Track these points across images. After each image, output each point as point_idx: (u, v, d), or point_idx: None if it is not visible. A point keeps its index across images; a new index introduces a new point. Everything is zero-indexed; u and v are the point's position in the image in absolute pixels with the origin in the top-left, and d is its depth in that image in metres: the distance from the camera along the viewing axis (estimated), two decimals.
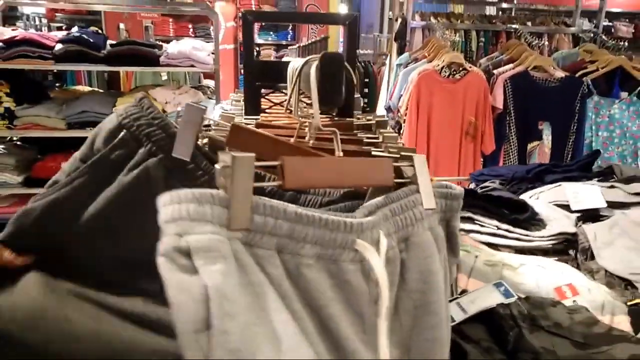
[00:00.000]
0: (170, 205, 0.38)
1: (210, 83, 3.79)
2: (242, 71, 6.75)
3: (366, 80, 4.47)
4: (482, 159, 2.93)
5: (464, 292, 0.89)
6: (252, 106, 0.94)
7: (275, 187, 0.48)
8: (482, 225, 1.14)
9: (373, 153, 0.72)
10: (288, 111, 0.82)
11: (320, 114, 1.01)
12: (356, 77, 3.20)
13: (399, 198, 0.52)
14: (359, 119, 0.93)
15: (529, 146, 2.88)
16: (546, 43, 3.47)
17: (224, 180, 0.39)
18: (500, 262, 0.99)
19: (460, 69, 2.72)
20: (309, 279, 0.44)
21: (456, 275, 0.97)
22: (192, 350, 0.37)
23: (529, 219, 1.15)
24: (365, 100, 4.48)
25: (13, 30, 2.89)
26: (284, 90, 1.07)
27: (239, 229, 0.39)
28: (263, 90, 1.04)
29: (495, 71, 2.85)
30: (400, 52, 3.32)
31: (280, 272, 0.42)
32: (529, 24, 3.57)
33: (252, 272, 0.40)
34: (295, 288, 0.43)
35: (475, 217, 1.16)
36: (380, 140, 0.75)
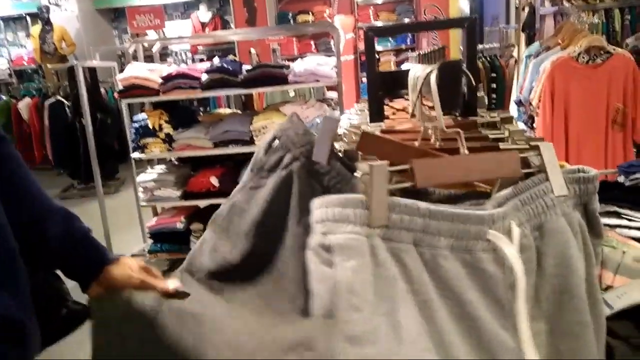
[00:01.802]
0: (320, 208, 0.46)
1: (334, 94, 3.96)
2: (362, 80, 6.90)
3: (493, 75, 4.26)
4: (635, 150, 2.61)
5: (609, 288, 0.84)
6: (376, 114, 1.01)
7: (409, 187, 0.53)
8: (630, 220, 1.05)
9: (501, 147, 0.73)
10: (412, 117, 0.87)
11: (444, 114, 1.03)
12: (481, 74, 3.07)
13: (528, 188, 0.54)
14: (482, 117, 0.94)
15: None
16: None
17: (364, 186, 0.46)
18: None
19: (602, 52, 2.46)
20: (446, 269, 0.48)
21: (600, 271, 0.92)
22: (318, 333, 0.46)
23: None
24: (494, 96, 4.27)
25: (168, 66, 3.38)
26: (405, 97, 1.11)
27: (378, 225, 0.46)
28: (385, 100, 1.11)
29: None
30: (529, 42, 3.12)
31: (418, 264, 0.47)
32: None
33: (386, 267, 0.46)
34: (432, 278, 0.48)
35: (622, 211, 1.07)
36: (507, 135, 0.76)
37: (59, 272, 0.75)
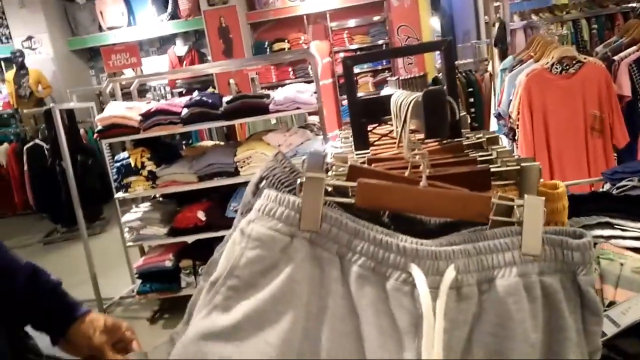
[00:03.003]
0: (262, 199, 0.52)
1: (315, 118, 3.98)
2: (342, 102, 6.97)
3: (470, 89, 4.34)
4: (615, 155, 2.66)
5: (612, 304, 0.83)
6: (361, 142, 1.00)
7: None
8: (624, 230, 1.05)
9: (492, 169, 0.72)
10: (400, 146, 0.86)
11: (434, 138, 1.03)
12: (459, 90, 3.12)
13: (493, 237, 0.51)
14: (468, 138, 0.93)
15: None
16: None
17: (300, 193, 0.51)
18: None
19: (574, 62, 2.53)
20: (362, 287, 0.50)
21: (601, 287, 0.90)
22: (205, 292, 0.53)
23: None
24: (473, 110, 4.34)
25: (147, 103, 3.36)
26: (388, 122, 1.11)
27: (307, 230, 0.50)
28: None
29: (616, 57, 2.60)
30: (502, 56, 3.19)
31: (337, 274, 0.51)
32: None
33: (299, 267, 0.50)
34: (345, 291, 0.51)
35: (615, 221, 1.06)
36: (495, 156, 0.75)
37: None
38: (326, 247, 0.51)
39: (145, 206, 3.30)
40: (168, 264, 3.09)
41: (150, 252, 3.29)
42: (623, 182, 1.36)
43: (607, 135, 2.57)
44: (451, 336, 0.49)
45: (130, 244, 3.18)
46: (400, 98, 0.77)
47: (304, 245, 0.51)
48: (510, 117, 2.75)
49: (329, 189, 0.59)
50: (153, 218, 3.11)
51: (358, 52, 6.55)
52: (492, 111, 3.24)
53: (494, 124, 3.23)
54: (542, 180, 0.67)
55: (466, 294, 0.50)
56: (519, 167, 0.65)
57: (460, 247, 0.50)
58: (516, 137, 2.71)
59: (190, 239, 3.18)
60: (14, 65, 6.72)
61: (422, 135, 1.08)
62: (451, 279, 0.49)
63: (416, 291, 0.49)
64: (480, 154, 0.80)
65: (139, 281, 3.26)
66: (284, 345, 0.50)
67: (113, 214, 3.97)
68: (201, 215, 3.06)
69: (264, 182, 0.61)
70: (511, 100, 2.73)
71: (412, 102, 0.65)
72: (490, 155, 0.78)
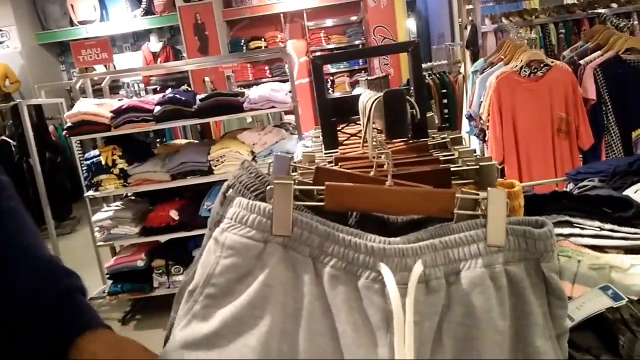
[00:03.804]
0: (234, 207, 0.54)
1: (291, 118, 3.98)
2: None
3: (444, 90, 4.41)
4: (581, 156, 2.74)
5: (569, 299, 0.86)
6: (330, 141, 1.01)
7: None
8: (582, 228, 1.09)
9: (452, 169, 0.74)
10: (365, 146, 0.87)
11: (395, 138, 1.04)
12: (432, 91, 3.17)
13: (458, 230, 0.53)
14: (434, 138, 0.95)
15: (634, 134, 2.64)
16: (636, 22, 3.19)
17: (270, 199, 0.53)
18: (608, 265, 0.94)
19: (542, 65, 2.60)
20: (335, 287, 0.52)
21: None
22: (183, 302, 0.55)
23: (636, 216, 1.07)
24: (447, 111, 4.42)
25: (119, 100, 3.30)
26: (357, 122, 1.12)
27: (279, 234, 0.52)
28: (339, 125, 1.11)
29: (581, 61, 2.68)
30: (474, 59, 3.25)
31: (310, 276, 0.52)
32: (614, 5, 3.31)
33: (274, 271, 0.52)
34: (319, 292, 0.52)
35: (574, 219, 1.10)
36: (456, 156, 0.77)
37: None
38: (299, 250, 0.53)
39: (116, 205, 3.24)
40: (140, 263, 3.04)
41: (121, 251, 3.23)
42: (584, 182, 1.41)
43: (573, 137, 2.65)
44: (422, 328, 0.51)
45: (101, 243, 3.12)
46: (365, 98, 0.79)
47: (278, 250, 0.53)
48: (480, 118, 2.81)
49: (297, 193, 0.60)
50: (124, 217, 3.06)
51: (335, 52, 6.57)
52: (464, 113, 3.30)
53: (466, 125, 3.29)
54: (499, 179, 0.70)
55: (434, 287, 0.52)
56: (477, 166, 0.67)
57: (427, 242, 0.52)
58: (486, 138, 2.77)
59: (163, 238, 3.14)
60: None
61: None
62: (419, 273, 0.51)
63: (386, 289, 0.50)
64: (444, 153, 0.83)
65: (110, 281, 3.20)
66: (263, 348, 0.51)
67: (83, 213, 3.88)
68: (174, 214, 3.03)
69: (231, 190, 0.61)
70: (482, 102, 2.79)
71: (375, 102, 0.67)
72: (452, 155, 0.80)
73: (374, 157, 0.69)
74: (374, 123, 0.80)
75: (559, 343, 0.54)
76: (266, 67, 7.05)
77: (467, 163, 0.70)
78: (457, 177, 0.72)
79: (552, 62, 2.62)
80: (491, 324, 0.51)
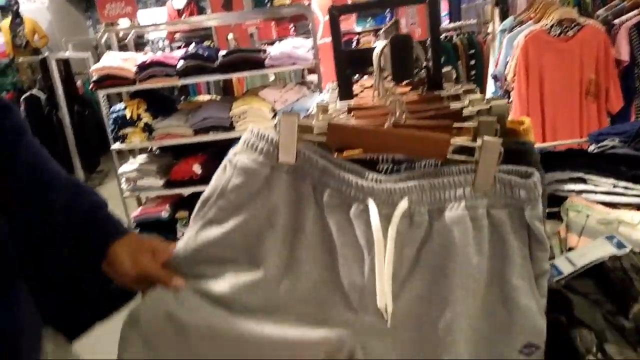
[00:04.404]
0: (247, 134, 0.61)
1: (314, 77, 3.95)
2: None
3: (471, 51, 4.29)
4: (609, 119, 2.67)
5: (571, 249, 0.88)
6: (345, 92, 1.02)
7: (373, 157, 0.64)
8: (596, 185, 1.09)
9: (464, 113, 0.76)
10: (375, 92, 0.89)
11: (410, 89, 1.05)
12: (459, 51, 3.09)
13: (449, 174, 0.57)
14: (447, 90, 0.95)
15: None
16: None
17: (276, 131, 0.59)
18: (616, 220, 0.94)
19: (573, 24, 2.50)
20: (331, 214, 0.58)
21: (566, 235, 0.95)
22: (197, 209, 0.62)
23: None
24: (473, 72, 4.30)
25: (144, 55, 3.33)
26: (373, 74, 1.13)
27: (284, 162, 0.58)
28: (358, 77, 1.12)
29: (616, 21, 2.57)
30: (503, 17, 3.14)
31: (312, 200, 0.59)
32: None
33: (281, 194, 0.59)
34: (318, 216, 0.59)
35: (588, 177, 1.10)
36: (467, 104, 0.78)
37: None
38: (302, 179, 0.59)
39: (142, 158, 3.34)
40: (164, 214, 3.16)
41: (147, 203, 3.35)
42: (604, 142, 1.39)
43: (602, 100, 2.57)
44: (401, 254, 0.57)
45: (128, 194, 3.23)
46: (378, 48, 0.80)
47: (283, 176, 0.59)
48: (506, 78, 2.74)
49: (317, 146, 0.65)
50: (150, 170, 3.15)
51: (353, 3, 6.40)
52: (489, 72, 3.22)
53: (491, 86, 3.22)
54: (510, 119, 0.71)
55: (417, 222, 0.57)
56: (488, 106, 0.68)
57: (415, 182, 0.57)
58: (510, 99, 2.72)
59: (186, 191, 3.24)
60: (10, 13, 6.57)
61: (405, 89, 1.10)
62: (403, 209, 0.56)
63: (370, 220, 0.56)
64: (456, 103, 0.83)
65: (136, 230, 3.34)
66: (268, 252, 0.59)
67: (111, 166, 4.01)
68: (197, 168, 3.10)
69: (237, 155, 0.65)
70: (508, 61, 2.71)
71: (384, 48, 0.68)
72: (464, 104, 0.80)
73: (383, 98, 0.72)
74: (385, 71, 0.81)
75: (538, 282, 0.58)
76: (291, 25, 6.94)
77: (477, 104, 0.71)
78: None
79: (584, 21, 2.51)
80: (466, 257, 0.56)
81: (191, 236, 0.61)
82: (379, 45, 0.80)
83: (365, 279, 0.58)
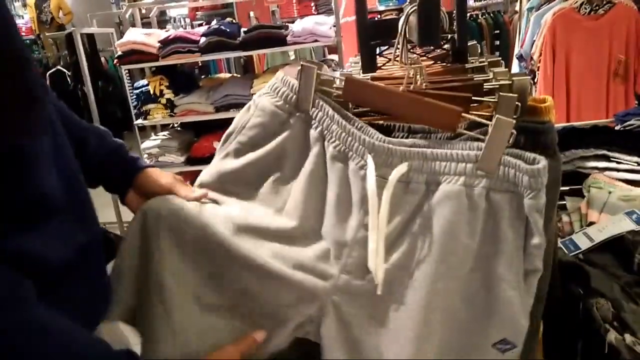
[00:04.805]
0: (274, 79, 0.66)
1: (335, 57, 3.93)
2: None
3: (496, 31, 4.19)
4: (637, 102, 2.60)
5: (592, 224, 0.87)
6: (368, 63, 1.02)
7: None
8: (619, 162, 1.08)
9: (485, 86, 0.75)
10: (397, 60, 0.89)
11: (434, 62, 1.05)
12: (484, 31, 3.05)
13: (454, 148, 0.57)
14: (472, 63, 0.95)
15: None
16: None
17: (301, 80, 0.63)
18: (639, 197, 0.94)
19: (605, 2, 2.42)
20: (334, 164, 0.61)
21: (586, 211, 0.95)
22: (222, 141, 0.71)
23: None
24: (498, 53, 4.22)
25: (166, 31, 3.35)
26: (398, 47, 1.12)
27: (302, 110, 0.63)
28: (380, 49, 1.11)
29: None
30: None
31: (318, 149, 0.62)
32: None
33: (295, 136, 0.63)
34: (322, 161, 0.62)
35: (611, 154, 1.09)
36: (491, 76, 0.78)
37: None
38: (313, 126, 0.63)
39: (163, 134, 3.39)
40: None
41: None
42: (630, 122, 1.37)
43: (630, 82, 2.51)
44: (393, 218, 0.57)
45: None
46: (404, 14, 0.79)
47: (298, 122, 0.64)
48: (532, 58, 2.68)
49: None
50: (171, 146, 3.20)
51: None
52: (515, 52, 3.15)
53: (516, 66, 3.16)
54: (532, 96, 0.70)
55: (413, 189, 0.57)
56: (510, 81, 0.68)
57: (418, 149, 0.57)
58: (536, 80, 2.66)
59: (206, 168, 3.28)
60: None
61: (428, 63, 1.10)
62: (401, 172, 0.56)
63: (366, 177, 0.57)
64: (480, 75, 0.83)
65: None
66: (274, 186, 0.65)
67: (133, 143, 4.08)
68: (217, 145, 3.13)
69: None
70: (534, 40, 2.65)
71: (410, 12, 0.68)
72: (488, 76, 0.80)
73: (405, 65, 0.72)
74: (413, 46, 0.81)
75: (527, 279, 0.55)
76: (312, 3, 6.86)
77: (500, 79, 0.71)
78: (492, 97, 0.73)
79: None
80: (454, 235, 0.54)
81: (212, 165, 0.68)
82: (405, 10, 0.80)
83: (352, 237, 0.59)
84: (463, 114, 0.56)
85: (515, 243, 0.54)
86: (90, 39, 4.59)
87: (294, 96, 0.63)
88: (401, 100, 0.60)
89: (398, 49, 0.83)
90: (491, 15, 4.22)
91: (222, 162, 0.68)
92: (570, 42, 2.49)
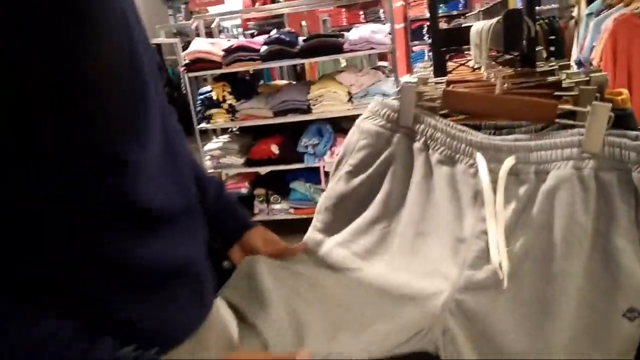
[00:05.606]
0: (372, 103, 0.73)
1: (384, 64, 4.02)
2: (412, 49, 6.84)
3: (551, 37, 4.14)
4: None
5: None
6: (440, 69, 1.11)
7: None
8: None
9: (563, 85, 0.80)
10: (475, 67, 0.96)
11: (504, 66, 1.12)
12: (539, 37, 3.08)
13: (556, 137, 0.61)
14: (541, 66, 1.01)
15: None
16: None
17: (402, 98, 0.70)
18: None
19: None
20: (438, 168, 0.67)
21: None
22: (334, 165, 0.77)
23: None
24: (552, 59, 4.14)
25: (228, 40, 3.55)
26: (466, 53, 1.20)
27: (403, 126, 0.70)
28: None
29: None
30: (589, 0, 3.03)
31: (423, 159, 0.69)
32: None
33: (399, 153, 0.70)
34: (427, 170, 0.69)
35: None
36: (564, 78, 0.84)
37: None
38: (417, 139, 0.70)
39: (224, 138, 3.57)
40: (244, 191, 3.38)
41: (228, 180, 3.59)
42: None
43: None
44: (507, 209, 0.61)
45: (212, 171, 3.48)
46: (479, 25, 0.88)
47: (402, 138, 0.71)
48: (591, 64, 2.67)
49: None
50: (232, 148, 3.38)
51: None
52: (573, 58, 3.12)
53: None
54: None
55: (523, 179, 0.61)
56: (587, 78, 0.74)
57: (523, 142, 0.62)
58: None
59: (264, 170, 3.44)
60: None
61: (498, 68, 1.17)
62: (510, 165, 0.61)
63: (479, 172, 0.63)
64: (552, 78, 0.89)
65: None
66: (382, 202, 0.72)
67: (193, 147, 4.30)
68: (275, 148, 3.28)
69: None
70: (594, 46, 2.64)
71: (493, 24, 0.76)
72: (560, 78, 0.87)
73: (487, 70, 0.80)
74: (490, 50, 0.89)
75: None
76: (361, 12, 6.98)
77: (575, 79, 0.77)
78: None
79: None
80: (571, 216, 0.58)
81: (329, 189, 0.75)
82: (480, 24, 0.88)
83: (470, 232, 0.62)
84: (560, 105, 0.62)
85: (628, 215, 0.58)
86: (157, 48, 4.89)
87: (396, 114, 0.70)
88: (501, 104, 0.67)
89: (469, 54, 0.91)
90: (546, 21, 4.17)
91: (337, 185, 0.74)
92: (632, 49, 2.47)
